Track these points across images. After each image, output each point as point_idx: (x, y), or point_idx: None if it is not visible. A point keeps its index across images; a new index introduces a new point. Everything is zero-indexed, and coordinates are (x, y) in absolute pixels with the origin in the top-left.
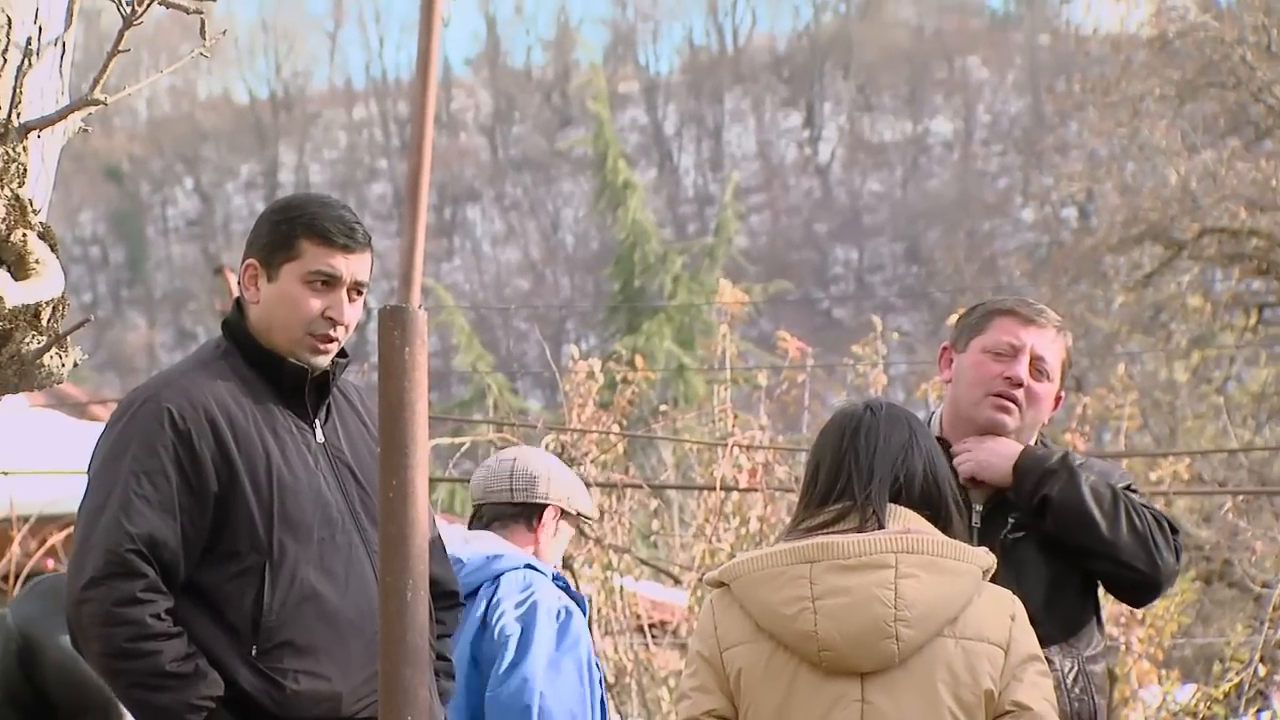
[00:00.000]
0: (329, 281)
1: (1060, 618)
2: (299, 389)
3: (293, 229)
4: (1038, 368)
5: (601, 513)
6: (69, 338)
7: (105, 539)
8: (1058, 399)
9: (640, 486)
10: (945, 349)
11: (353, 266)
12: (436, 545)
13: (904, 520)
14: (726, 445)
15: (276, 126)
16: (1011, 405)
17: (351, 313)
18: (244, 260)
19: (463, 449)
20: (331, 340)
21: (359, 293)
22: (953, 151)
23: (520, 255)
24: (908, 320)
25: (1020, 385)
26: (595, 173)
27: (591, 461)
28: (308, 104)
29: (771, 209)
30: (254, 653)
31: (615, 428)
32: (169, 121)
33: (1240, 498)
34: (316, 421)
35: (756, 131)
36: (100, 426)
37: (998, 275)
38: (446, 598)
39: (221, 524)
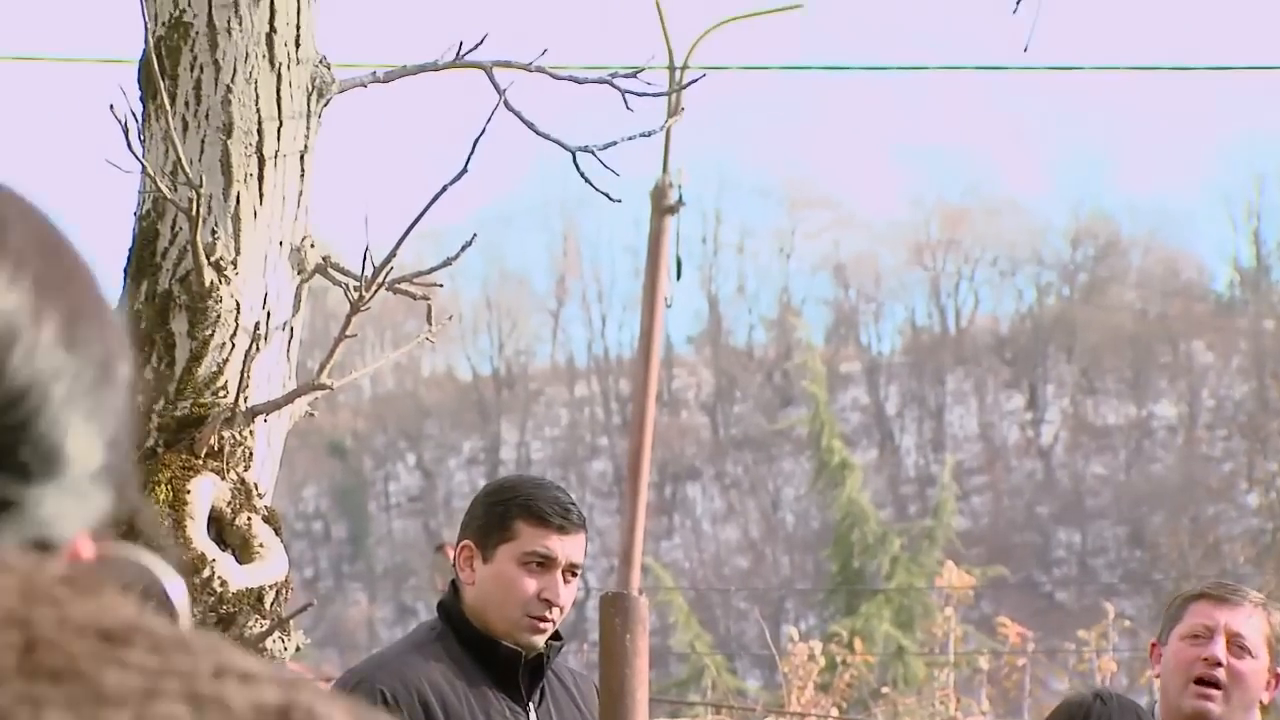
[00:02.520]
0: (544, 563)
1: None
2: (513, 672)
3: (508, 510)
4: (1237, 644)
5: None
6: (291, 621)
7: None
8: (1276, 676)
9: None
10: (1154, 645)
11: (568, 548)
12: None
13: None
14: None
15: (499, 404)
16: (1213, 690)
17: (566, 594)
18: (459, 542)
19: None
20: (547, 621)
21: (574, 574)
22: (1176, 435)
23: (740, 534)
24: (1131, 604)
25: (1219, 665)
26: (814, 452)
27: None
28: (530, 381)
29: (993, 490)
30: None
31: (835, 710)
32: (393, 398)
33: None
34: (531, 705)
35: (979, 413)
36: None
37: (1222, 560)
38: None
39: None
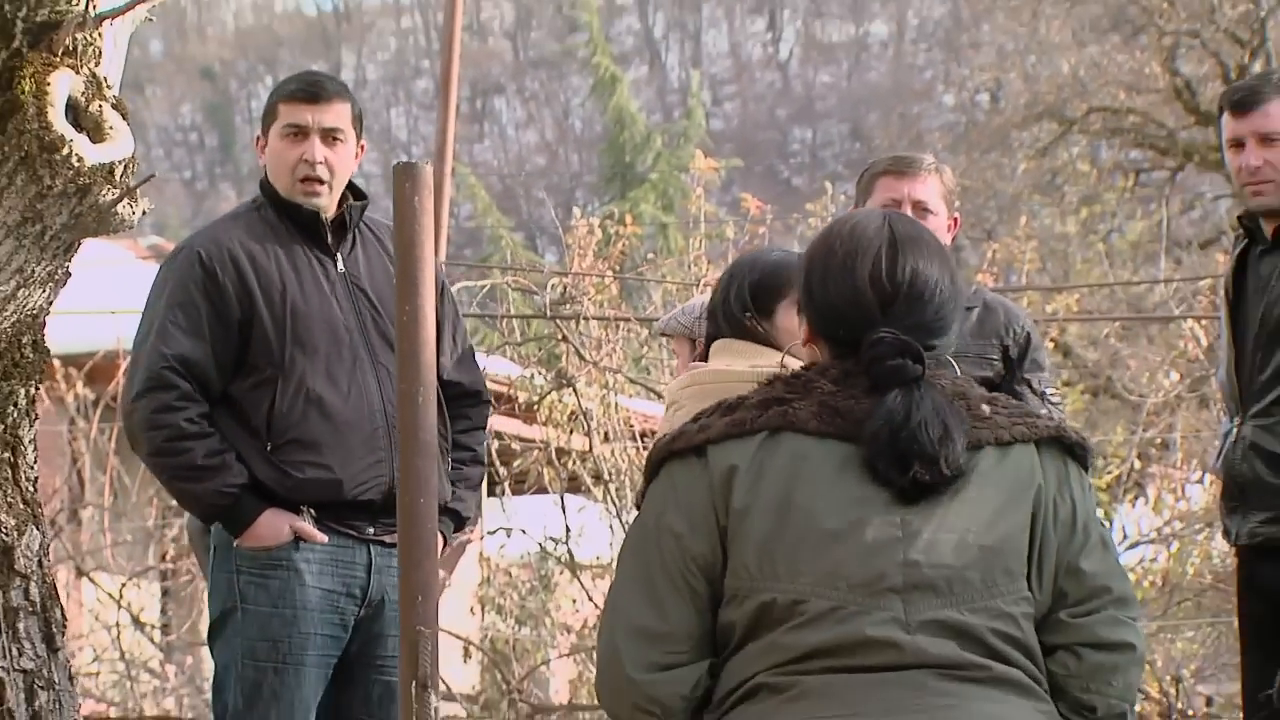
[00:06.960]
0: (298, 132)
1: None
2: (316, 230)
3: (273, 99)
4: (921, 209)
5: (599, 342)
6: (138, 190)
7: (147, 360)
8: (955, 221)
9: (629, 320)
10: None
11: (320, 115)
12: (466, 357)
13: None
14: (699, 286)
15: (339, 34)
16: None
17: (336, 157)
18: (255, 136)
19: (484, 290)
20: (314, 181)
21: (335, 139)
22: (888, 49)
23: (538, 138)
24: (851, 186)
25: None
26: (592, 70)
27: (589, 300)
28: (364, 15)
29: (741, 98)
30: (269, 449)
31: (610, 273)
32: (252, 30)
33: (1119, 324)
34: (339, 255)
35: (729, 34)
36: None
37: (925, 149)
38: (471, 397)
39: (245, 344)
